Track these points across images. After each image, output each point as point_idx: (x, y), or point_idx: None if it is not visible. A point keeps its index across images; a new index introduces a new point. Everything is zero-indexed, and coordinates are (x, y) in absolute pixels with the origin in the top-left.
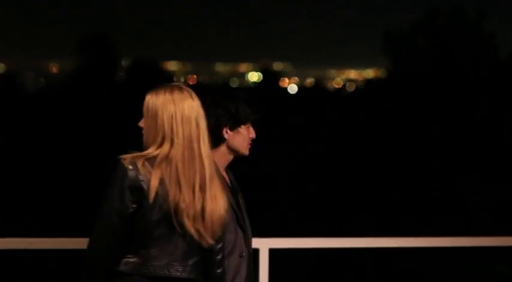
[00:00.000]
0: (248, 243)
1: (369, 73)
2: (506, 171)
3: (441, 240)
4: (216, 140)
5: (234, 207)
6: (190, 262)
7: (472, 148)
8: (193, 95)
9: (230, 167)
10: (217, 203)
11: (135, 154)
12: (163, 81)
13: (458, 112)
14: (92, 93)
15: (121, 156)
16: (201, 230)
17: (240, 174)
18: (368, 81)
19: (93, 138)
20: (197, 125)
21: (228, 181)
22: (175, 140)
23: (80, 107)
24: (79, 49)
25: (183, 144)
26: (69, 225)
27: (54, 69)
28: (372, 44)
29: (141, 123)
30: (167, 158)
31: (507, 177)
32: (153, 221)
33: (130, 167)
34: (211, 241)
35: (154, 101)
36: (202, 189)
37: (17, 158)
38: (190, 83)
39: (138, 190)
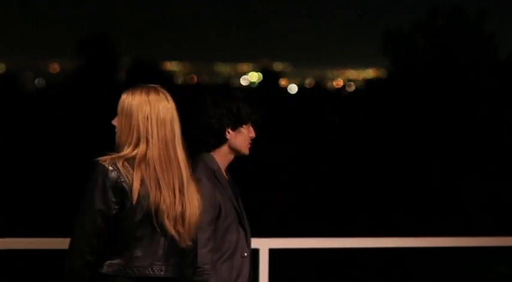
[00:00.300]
0: (249, 243)
1: (369, 73)
2: (506, 171)
3: (441, 240)
4: (218, 140)
5: (236, 208)
6: (172, 261)
7: (472, 148)
8: (169, 97)
9: (230, 167)
10: (194, 205)
11: (114, 155)
12: (164, 81)
13: (458, 112)
14: (92, 93)
15: (98, 158)
16: (181, 231)
17: (240, 174)
18: (368, 81)
19: (93, 138)
20: (172, 128)
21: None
22: (151, 140)
23: (80, 107)
24: (79, 49)
25: (159, 146)
26: (69, 225)
27: (54, 69)
28: (372, 44)
29: (115, 122)
30: (145, 158)
31: (507, 177)
32: (136, 222)
33: (111, 168)
34: (189, 243)
35: (130, 100)
36: (182, 192)
37: (17, 158)
38: (190, 83)
39: (121, 191)
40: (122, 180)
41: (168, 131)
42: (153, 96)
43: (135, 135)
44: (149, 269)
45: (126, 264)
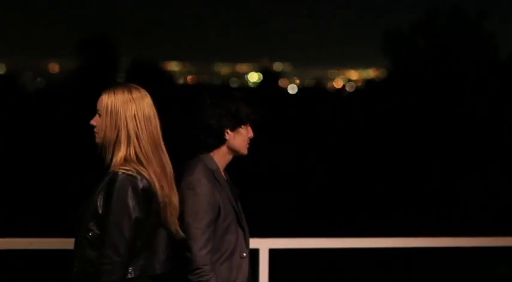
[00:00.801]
0: (247, 243)
1: (369, 73)
2: (506, 171)
3: (441, 240)
4: (217, 140)
5: (234, 208)
6: (171, 255)
7: (472, 148)
8: (148, 94)
9: (229, 167)
10: (177, 200)
11: (128, 161)
12: (164, 81)
13: (458, 112)
14: (92, 93)
15: (120, 169)
16: (178, 223)
17: (240, 174)
18: (368, 81)
19: (93, 138)
20: (155, 123)
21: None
22: (141, 136)
23: (80, 107)
24: (79, 49)
25: (149, 142)
26: (69, 225)
27: (55, 69)
28: (372, 44)
29: (94, 122)
30: (144, 157)
31: (507, 177)
32: (156, 222)
33: (137, 175)
34: (183, 235)
35: (113, 99)
36: (174, 185)
37: (17, 158)
38: (190, 83)
39: (150, 196)
40: (149, 185)
41: (153, 127)
42: (136, 94)
43: (123, 133)
44: (164, 266)
45: (146, 264)
